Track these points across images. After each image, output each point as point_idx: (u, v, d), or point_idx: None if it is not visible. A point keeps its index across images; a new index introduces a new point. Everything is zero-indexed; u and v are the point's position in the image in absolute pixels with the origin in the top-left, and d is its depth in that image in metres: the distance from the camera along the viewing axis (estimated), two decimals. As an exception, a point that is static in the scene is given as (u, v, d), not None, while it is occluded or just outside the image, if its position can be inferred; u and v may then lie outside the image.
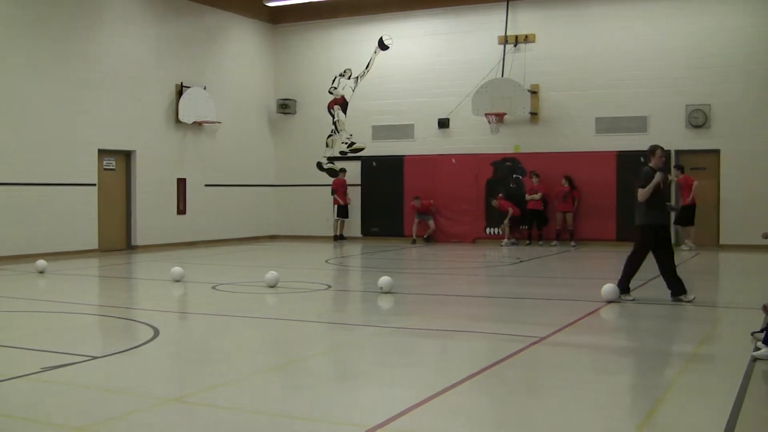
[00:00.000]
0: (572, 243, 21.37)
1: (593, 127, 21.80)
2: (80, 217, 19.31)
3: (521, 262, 17.63)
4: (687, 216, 19.72)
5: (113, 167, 20.53)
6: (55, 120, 18.67)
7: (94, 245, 19.68)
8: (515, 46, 22.56)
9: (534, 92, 22.16)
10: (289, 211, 25.68)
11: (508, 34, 22.58)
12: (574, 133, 22.00)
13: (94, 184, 19.77)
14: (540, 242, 21.86)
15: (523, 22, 22.53)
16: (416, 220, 23.29)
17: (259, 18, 25.14)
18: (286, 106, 25.40)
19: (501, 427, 5.59)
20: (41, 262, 15.39)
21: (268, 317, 10.49)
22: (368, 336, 8.99)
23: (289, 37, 25.74)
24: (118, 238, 20.67)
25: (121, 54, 20.44)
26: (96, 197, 19.79)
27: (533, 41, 22.45)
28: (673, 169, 20.28)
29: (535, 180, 21.79)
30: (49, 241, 18.36)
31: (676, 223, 19.88)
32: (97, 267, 17.12)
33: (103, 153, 20.08)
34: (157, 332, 8.76)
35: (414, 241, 23.08)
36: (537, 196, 21.75)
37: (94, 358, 7.50)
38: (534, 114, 22.20)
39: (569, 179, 21.38)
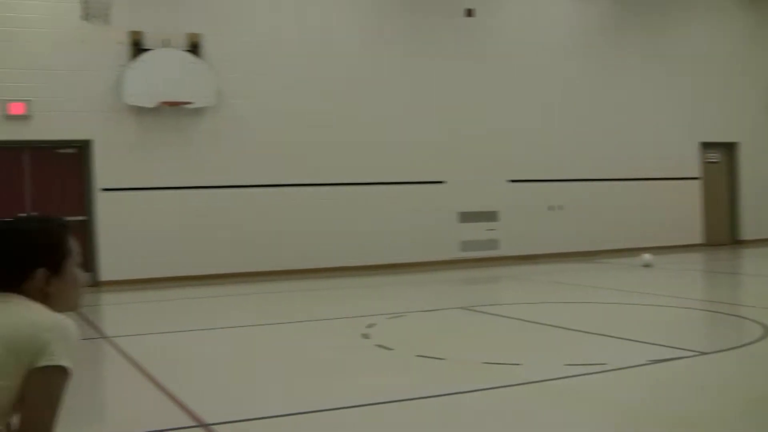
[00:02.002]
0: None
1: None
2: (685, 212, 19.30)
3: None
4: None
5: (717, 160, 20.17)
6: (654, 115, 18.91)
7: (699, 239, 19.53)
8: None
9: None
10: None
11: None
12: None
13: (698, 178, 19.63)
14: None
15: None
16: None
17: None
18: None
19: None
20: (647, 256, 15.64)
21: None
22: None
23: None
24: (722, 233, 20.25)
25: (723, 46, 19.97)
26: (700, 191, 19.63)
27: None
28: None
29: None
30: (652, 235, 18.61)
31: None
32: (703, 261, 16.96)
33: (705, 146, 19.84)
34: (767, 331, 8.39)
35: None
36: None
37: (702, 353, 7.40)
38: None
39: None
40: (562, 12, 18.22)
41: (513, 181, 17.38)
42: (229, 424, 5.40)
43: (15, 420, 2.52)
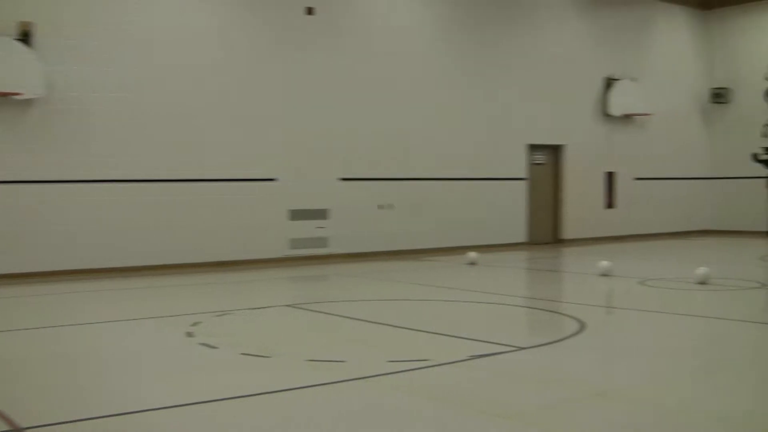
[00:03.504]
0: None
1: None
2: (510, 211, 19.94)
3: None
4: None
5: (543, 162, 20.91)
6: (487, 117, 19.45)
7: (524, 238, 20.21)
8: None
9: None
10: (721, 205, 24.51)
11: None
12: None
13: (525, 179, 20.30)
14: None
15: None
16: None
17: (689, 4, 24.25)
18: (719, 96, 24.26)
19: None
20: (472, 254, 16.09)
21: (694, 315, 10.07)
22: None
23: (722, 22, 24.52)
24: (546, 232, 21.03)
25: (556, 50, 20.86)
26: (526, 192, 20.31)
27: None
28: None
29: None
30: (481, 234, 19.15)
31: None
32: (526, 260, 17.54)
33: (532, 148, 20.53)
34: (583, 326, 8.77)
35: None
36: None
37: (521, 348, 7.66)
38: None
39: None
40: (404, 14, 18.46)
41: (344, 179, 17.47)
42: (47, 427, 5.22)
43: None
